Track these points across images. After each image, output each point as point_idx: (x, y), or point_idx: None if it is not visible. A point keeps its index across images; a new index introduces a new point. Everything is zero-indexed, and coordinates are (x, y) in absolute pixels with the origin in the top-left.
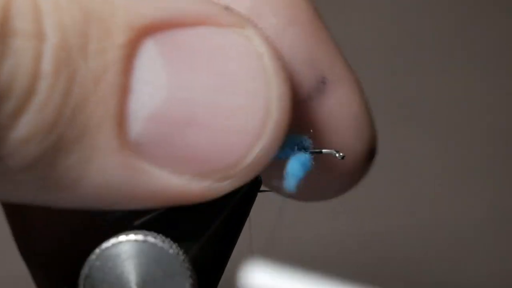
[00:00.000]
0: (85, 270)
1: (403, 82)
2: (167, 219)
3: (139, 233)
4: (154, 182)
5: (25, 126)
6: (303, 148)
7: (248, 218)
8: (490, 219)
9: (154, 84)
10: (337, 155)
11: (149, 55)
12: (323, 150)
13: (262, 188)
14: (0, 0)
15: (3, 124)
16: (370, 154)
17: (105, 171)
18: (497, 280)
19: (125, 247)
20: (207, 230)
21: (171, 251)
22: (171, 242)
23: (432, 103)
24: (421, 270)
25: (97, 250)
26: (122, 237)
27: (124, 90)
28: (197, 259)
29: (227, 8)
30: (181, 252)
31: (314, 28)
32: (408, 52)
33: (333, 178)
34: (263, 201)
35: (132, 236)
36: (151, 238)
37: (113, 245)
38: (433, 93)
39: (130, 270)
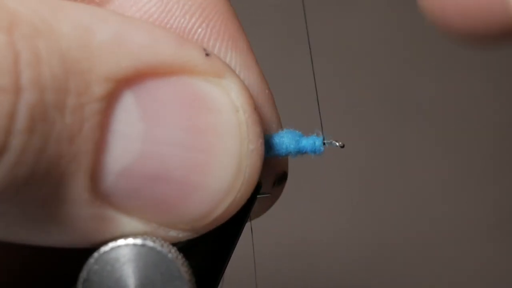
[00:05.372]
0: (83, 274)
1: (406, 83)
2: None
3: (138, 237)
4: (122, 229)
5: None
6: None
7: (249, 221)
8: (493, 220)
9: (129, 138)
10: (337, 144)
11: (127, 107)
12: (325, 142)
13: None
14: None
15: None
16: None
17: (76, 222)
18: (497, 280)
19: (124, 251)
20: (206, 233)
21: (170, 255)
22: (170, 246)
23: (435, 104)
24: (422, 271)
25: (95, 254)
26: (121, 241)
27: (99, 145)
28: (196, 263)
29: (207, 54)
30: (180, 256)
31: (226, 29)
32: (410, 53)
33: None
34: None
35: (130, 240)
36: (150, 242)
37: (112, 249)
38: (437, 94)
39: (128, 274)
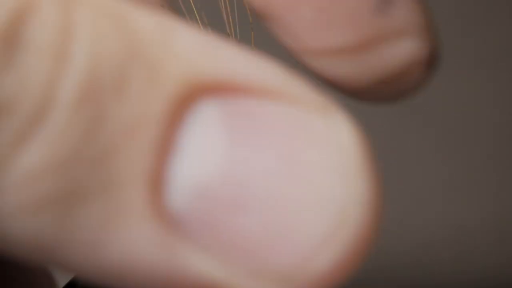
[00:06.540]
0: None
1: None
2: None
3: None
4: (191, 269)
5: (29, 158)
6: None
7: None
8: (493, 220)
9: (208, 152)
10: None
11: (207, 118)
12: None
13: None
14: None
15: (5, 145)
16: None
17: (134, 240)
18: (500, 281)
19: None
20: None
21: None
22: None
23: (434, 104)
24: (424, 271)
25: None
26: None
27: (165, 150)
28: None
29: (310, 87)
30: None
31: None
32: None
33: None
34: None
35: None
36: None
37: None
38: (436, 95)
39: None
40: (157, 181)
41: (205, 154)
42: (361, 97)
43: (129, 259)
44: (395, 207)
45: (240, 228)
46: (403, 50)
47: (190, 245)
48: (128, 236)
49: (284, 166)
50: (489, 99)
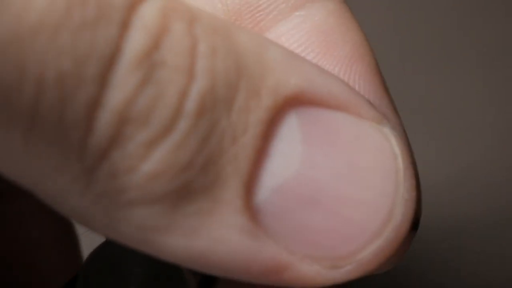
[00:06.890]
0: (83, 271)
1: (403, 82)
2: None
3: None
4: (264, 254)
5: (156, 161)
6: None
7: None
8: (493, 221)
9: (288, 156)
10: None
11: (290, 126)
12: None
13: None
14: (156, 25)
15: (135, 153)
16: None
17: (223, 227)
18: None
19: (125, 247)
20: None
21: None
22: None
23: (432, 104)
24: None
25: (95, 251)
26: None
27: (259, 154)
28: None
29: (369, 101)
30: None
31: (375, 67)
32: (407, 53)
33: None
34: None
35: None
36: None
37: (113, 245)
38: (434, 95)
39: (129, 272)
40: (249, 181)
41: (286, 158)
42: None
43: (216, 243)
44: None
45: (306, 223)
46: None
47: (264, 232)
48: (221, 225)
49: (349, 170)
50: (486, 100)
